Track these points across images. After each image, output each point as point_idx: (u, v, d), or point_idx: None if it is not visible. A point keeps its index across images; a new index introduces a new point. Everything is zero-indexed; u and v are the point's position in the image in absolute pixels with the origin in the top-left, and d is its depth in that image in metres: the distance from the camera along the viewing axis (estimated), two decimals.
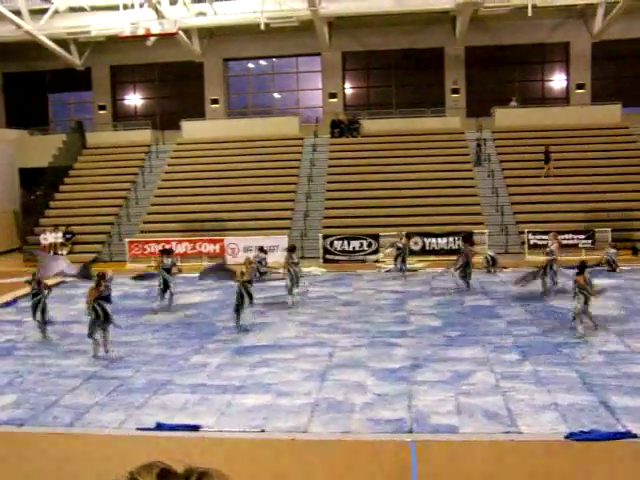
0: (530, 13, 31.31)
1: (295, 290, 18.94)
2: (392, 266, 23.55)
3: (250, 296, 15.93)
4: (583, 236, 27.45)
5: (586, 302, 14.33)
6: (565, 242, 25.87)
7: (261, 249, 23.46)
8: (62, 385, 11.76)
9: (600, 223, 27.85)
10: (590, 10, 34.98)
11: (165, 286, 18.28)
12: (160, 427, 9.60)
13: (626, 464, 8.23)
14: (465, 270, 20.39)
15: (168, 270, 18.56)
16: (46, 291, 15.80)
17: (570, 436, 8.75)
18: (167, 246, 25.77)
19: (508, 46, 37.40)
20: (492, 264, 23.17)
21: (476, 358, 12.70)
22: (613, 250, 22.82)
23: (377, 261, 25.09)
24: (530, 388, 10.79)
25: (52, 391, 11.43)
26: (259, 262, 22.44)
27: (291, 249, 19.92)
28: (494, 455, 8.52)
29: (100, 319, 13.74)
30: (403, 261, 22.76)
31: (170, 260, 19.13)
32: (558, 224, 27.77)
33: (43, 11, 32.94)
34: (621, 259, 23.03)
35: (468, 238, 23.88)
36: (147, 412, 10.25)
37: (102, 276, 14.51)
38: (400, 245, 23.01)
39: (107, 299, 14.12)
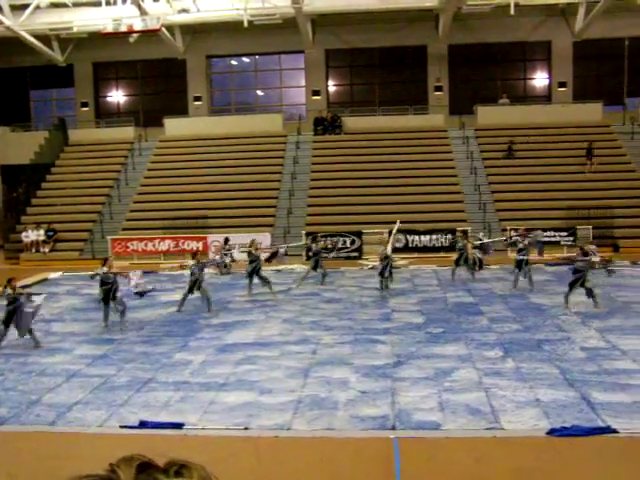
0: (513, 11, 31.48)
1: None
2: (376, 263, 23.57)
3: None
4: (565, 233, 27.64)
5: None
6: (547, 239, 26.05)
7: (226, 241, 23.85)
8: (44, 383, 11.71)
9: (581, 220, 28.06)
10: (571, 9, 35.20)
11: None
12: (143, 425, 9.58)
13: (606, 458, 8.31)
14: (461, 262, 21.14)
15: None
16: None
17: (552, 432, 8.82)
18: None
19: (491, 44, 37.58)
20: (479, 265, 23.27)
21: (459, 355, 12.77)
22: (593, 247, 22.95)
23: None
24: (512, 384, 10.86)
25: (34, 389, 11.38)
26: (224, 254, 22.79)
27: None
28: (477, 451, 8.57)
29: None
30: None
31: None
32: (540, 221, 27.95)
33: (24, 7, 32.69)
34: (602, 256, 23.15)
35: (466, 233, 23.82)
36: (130, 410, 10.22)
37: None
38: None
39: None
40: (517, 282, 19.44)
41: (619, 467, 8.07)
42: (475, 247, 22.11)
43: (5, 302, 14.35)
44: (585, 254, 16.73)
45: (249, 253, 19.77)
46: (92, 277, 16.23)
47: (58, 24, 34.27)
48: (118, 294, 15.84)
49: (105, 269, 15.86)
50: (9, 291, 14.32)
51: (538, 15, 36.67)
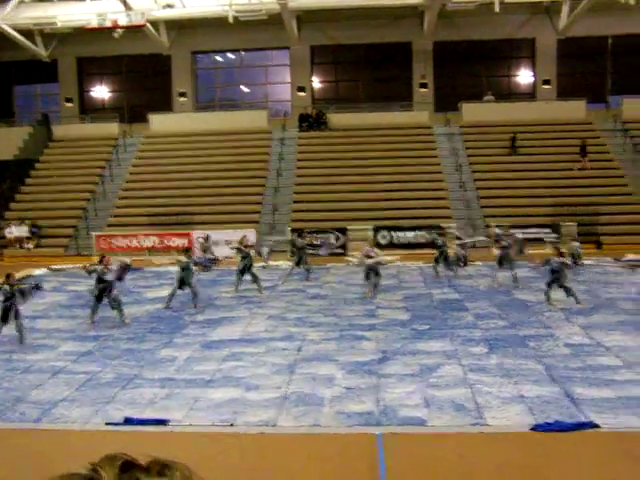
0: (497, 9, 31.59)
1: None
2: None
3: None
4: (549, 230, 27.79)
5: None
6: (531, 236, 26.22)
7: (207, 239, 23.99)
8: (29, 380, 11.65)
9: (566, 217, 28.22)
10: (556, 7, 35.37)
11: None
12: (128, 422, 9.56)
13: (588, 453, 8.38)
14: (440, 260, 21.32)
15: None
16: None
17: (536, 428, 8.88)
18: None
19: (476, 41, 37.69)
20: (464, 262, 23.38)
21: (444, 351, 12.82)
22: (577, 244, 23.11)
23: None
24: (497, 381, 10.92)
25: (19, 387, 11.32)
26: (204, 251, 22.89)
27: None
28: (462, 447, 8.61)
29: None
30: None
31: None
32: (524, 218, 28.12)
33: (7, 1, 32.47)
34: (585, 253, 23.34)
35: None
36: (115, 407, 10.19)
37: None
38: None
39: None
40: (497, 278, 19.57)
41: (602, 462, 8.14)
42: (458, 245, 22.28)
43: (2, 298, 14.30)
44: (561, 255, 16.94)
45: (239, 250, 19.75)
46: (89, 273, 16.19)
47: (42, 19, 34.08)
48: (114, 292, 15.82)
49: (101, 267, 15.86)
50: (6, 287, 14.27)
51: (523, 12, 36.83)
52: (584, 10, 32.70)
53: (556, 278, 16.63)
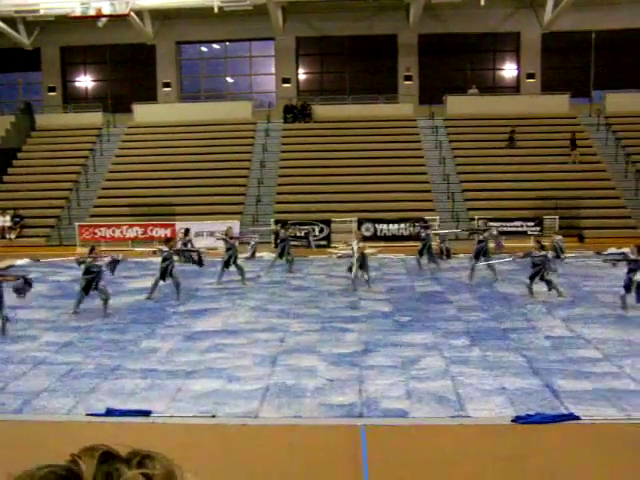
0: (482, 2, 31.65)
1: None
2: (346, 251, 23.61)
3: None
4: (532, 223, 27.94)
5: None
6: (514, 229, 26.37)
7: (186, 232, 23.99)
8: (10, 371, 11.59)
9: (548, 210, 28.38)
10: (540, 1, 35.48)
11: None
12: (110, 413, 9.53)
13: (569, 445, 8.45)
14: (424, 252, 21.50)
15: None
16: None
17: (517, 419, 8.94)
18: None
19: (460, 34, 37.75)
20: (447, 255, 23.47)
21: (426, 343, 12.87)
22: (560, 237, 23.23)
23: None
24: (479, 373, 10.97)
25: None
26: (184, 244, 22.83)
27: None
28: (443, 439, 8.66)
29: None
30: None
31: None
32: (508, 211, 28.25)
33: None
34: (568, 246, 23.47)
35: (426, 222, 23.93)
36: (97, 397, 10.16)
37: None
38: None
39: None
40: (474, 272, 19.60)
41: (582, 453, 8.21)
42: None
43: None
44: (542, 248, 17.05)
45: (225, 241, 19.71)
46: (79, 263, 16.15)
47: (24, 6, 33.77)
48: (101, 283, 15.76)
49: (90, 259, 15.81)
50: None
51: (508, 6, 36.93)
52: (568, 5, 32.84)
53: (537, 271, 16.73)
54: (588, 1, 33.54)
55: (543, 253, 16.87)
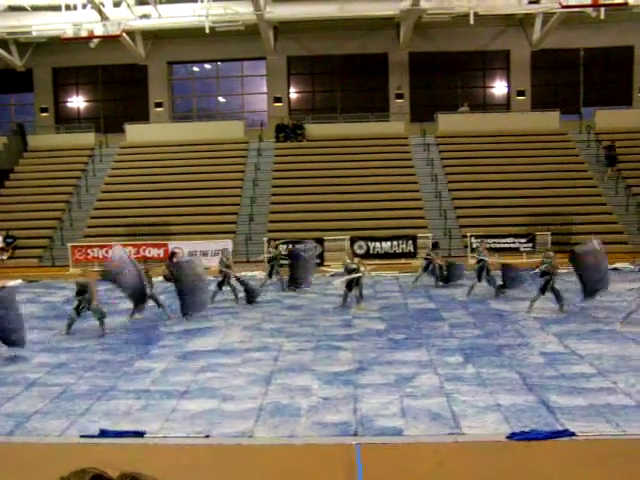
0: (472, 21, 31.85)
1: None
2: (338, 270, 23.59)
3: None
4: (524, 240, 28.01)
5: None
6: (507, 246, 26.43)
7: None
8: (2, 392, 11.52)
9: (540, 227, 28.46)
10: (529, 19, 35.79)
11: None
12: (104, 434, 9.48)
13: (565, 461, 8.44)
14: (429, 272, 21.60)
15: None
16: None
17: (511, 436, 8.93)
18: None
19: (451, 53, 38.01)
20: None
21: (420, 361, 12.86)
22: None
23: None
24: (473, 390, 10.97)
25: None
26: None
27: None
28: (438, 456, 8.64)
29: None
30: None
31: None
32: (500, 228, 28.33)
33: None
34: (559, 262, 23.47)
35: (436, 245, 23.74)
36: (90, 419, 10.11)
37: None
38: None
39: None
40: (472, 290, 19.64)
41: (578, 469, 8.20)
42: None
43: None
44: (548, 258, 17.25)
45: (221, 261, 19.70)
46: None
47: (17, 28, 33.85)
48: (93, 303, 15.70)
49: (82, 279, 15.88)
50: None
51: (497, 25, 37.21)
52: (556, 23, 33.19)
53: (548, 280, 16.85)
54: (576, 19, 33.84)
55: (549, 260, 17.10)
